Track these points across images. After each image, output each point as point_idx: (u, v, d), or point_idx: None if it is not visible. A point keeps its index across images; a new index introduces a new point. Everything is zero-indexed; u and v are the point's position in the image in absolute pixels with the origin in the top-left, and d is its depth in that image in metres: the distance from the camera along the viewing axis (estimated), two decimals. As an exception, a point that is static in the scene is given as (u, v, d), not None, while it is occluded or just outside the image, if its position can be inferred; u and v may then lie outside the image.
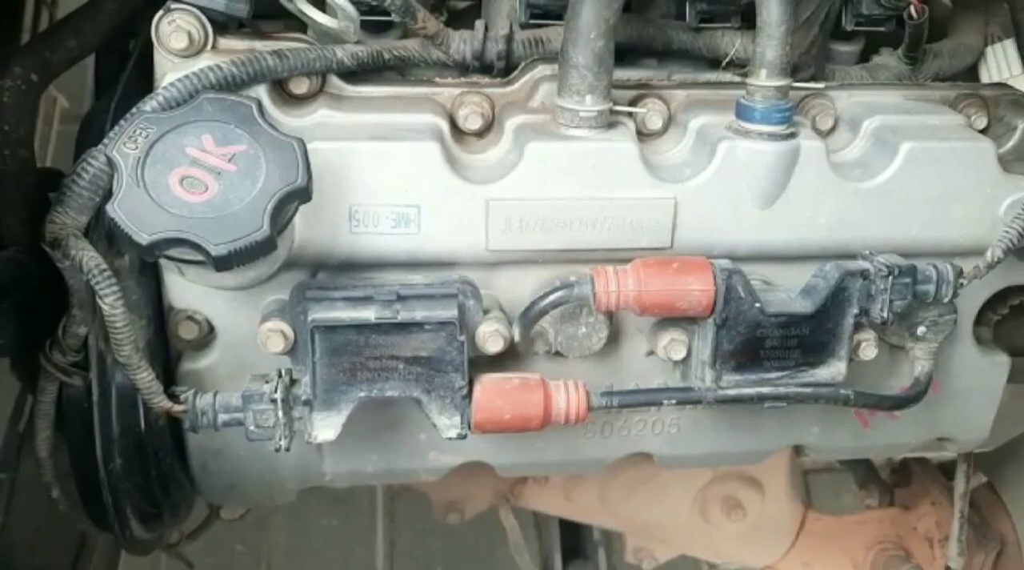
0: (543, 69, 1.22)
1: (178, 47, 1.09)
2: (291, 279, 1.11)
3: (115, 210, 0.92)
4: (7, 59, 1.18)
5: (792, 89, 1.16)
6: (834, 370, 1.16)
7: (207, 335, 1.15)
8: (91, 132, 1.24)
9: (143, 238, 0.91)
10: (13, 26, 1.58)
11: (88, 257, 0.99)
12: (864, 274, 1.12)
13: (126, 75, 1.27)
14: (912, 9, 1.26)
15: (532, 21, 1.26)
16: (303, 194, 0.98)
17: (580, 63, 1.11)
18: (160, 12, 1.08)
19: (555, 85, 1.16)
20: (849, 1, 1.32)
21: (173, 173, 0.95)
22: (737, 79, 1.29)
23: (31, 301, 1.14)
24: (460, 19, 1.41)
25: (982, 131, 1.29)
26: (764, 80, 1.12)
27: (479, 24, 1.25)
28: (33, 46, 1.22)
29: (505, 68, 1.26)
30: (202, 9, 1.08)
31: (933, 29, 1.41)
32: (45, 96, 1.46)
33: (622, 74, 1.26)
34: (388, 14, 1.17)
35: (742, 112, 1.15)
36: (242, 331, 1.12)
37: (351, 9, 1.11)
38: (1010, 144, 1.26)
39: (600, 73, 1.12)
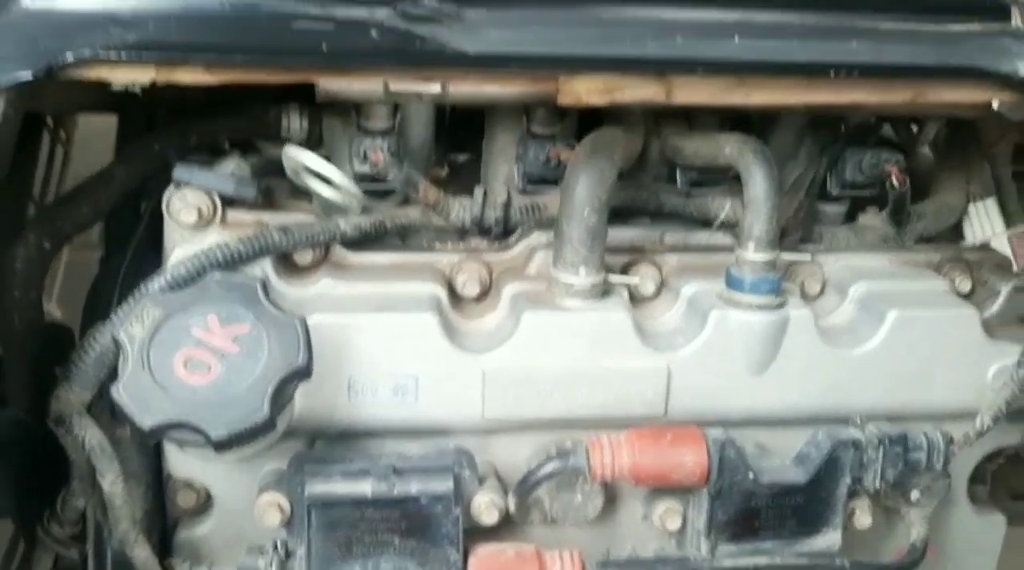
0: (539, 237, 1.26)
1: (188, 221, 1.13)
2: (289, 448, 1.12)
3: (119, 394, 0.94)
4: (22, 227, 1.23)
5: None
6: (829, 539, 1.16)
7: (205, 503, 1.16)
8: (100, 298, 1.28)
9: (146, 423, 0.93)
10: (28, 164, 1.64)
11: (91, 435, 1.01)
12: (855, 444, 1.14)
13: (136, 239, 1.32)
14: (894, 179, 1.32)
15: (529, 187, 1.32)
16: (304, 373, 1.00)
17: (574, 237, 1.15)
18: (171, 188, 1.13)
19: (551, 253, 1.20)
20: (834, 168, 1.38)
21: (178, 355, 0.97)
22: (728, 241, 1.33)
23: (33, 462, 1.15)
24: (461, 172, 1.46)
25: (967, 295, 1.32)
26: (752, 253, 1.16)
27: (478, 191, 1.30)
28: (47, 213, 1.27)
29: (503, 231, 1.31)
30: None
31: (916, 186, 1.47)
32: (68, 155, 1.49)
33: (616, 234, 1.30)
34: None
35: (732, 282, 1.18)
36: (239, 500, 1.13)
37: (356, 190, 1.16)
38: (994, 308, 1.29)
39: (594, 246, 1.16)
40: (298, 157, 1.13)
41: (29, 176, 1.66)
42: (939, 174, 1.51)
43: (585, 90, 1.09)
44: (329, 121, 1.32)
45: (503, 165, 1.35)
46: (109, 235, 1.58)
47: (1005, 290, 1.29)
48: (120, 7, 0.98)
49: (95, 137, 1.82)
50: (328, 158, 1.23)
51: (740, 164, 1.17)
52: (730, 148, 1.19)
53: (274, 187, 1.27)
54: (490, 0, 1.05)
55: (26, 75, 0.95)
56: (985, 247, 1.40)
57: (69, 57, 0.95)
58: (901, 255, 1.35)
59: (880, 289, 1.26)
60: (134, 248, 1.32)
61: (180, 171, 1.08)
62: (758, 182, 1.14)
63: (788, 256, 1.24)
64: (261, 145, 1.36)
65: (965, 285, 1.33)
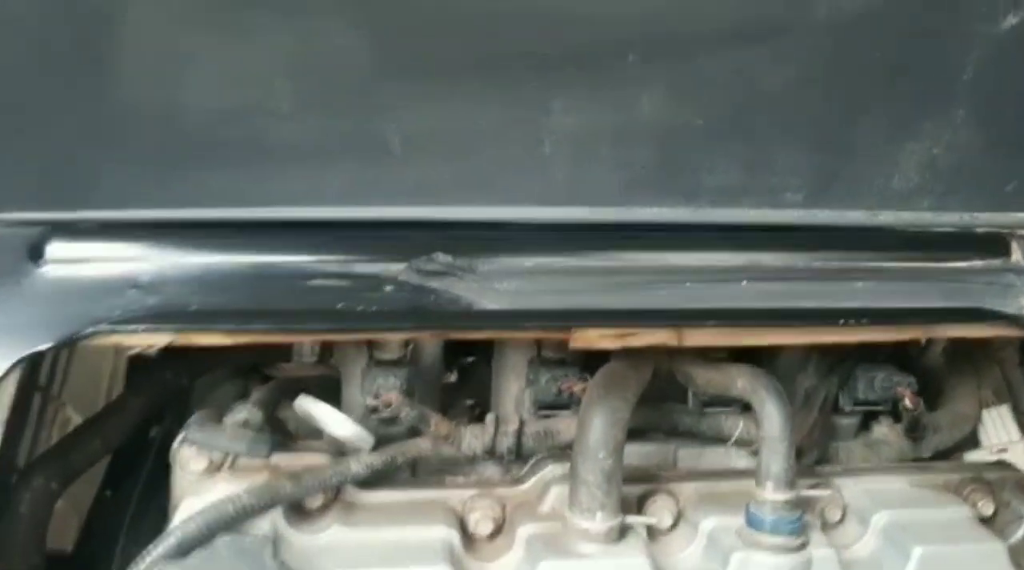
0: (553, 469, 1.24)
1: (197, 469, 1.12)
2: None
3: None
4: (30, 468, 1.22)
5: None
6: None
7: None
8: (105, 528, 1.25)
9: None
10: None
11: None
12: None
13: (146, 470, 1.31)
14: (907, 402, 1.32)
15: (541, 412, 1.32)
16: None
17: (590, 480, 1.13)
18: (180, 438, 1.12)
19: (565, 487, 1.18)
20: (845, 385, 1.38)
21: (185, 627, 0.94)
22: (742, 461, 1.32)
23: None
24: (469, 377, 1.47)
25: (989, 518, 1.29)
26: (771, 493, 1.14)
27: (489, 419, 1.29)
28: (56, 452, 1.26)
29: (516, 457, 1.29)
30: (223, 444, 1.12)
31: (928, 393, 1.47)
32: (57, 407, 1.47)
33: (631, 450, 1.29)
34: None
35: (752, 520, 1.16)
36: None
37: (366, 436, 1.15)
38: (1020, 534, 1.27)
39: (610, 490, 1.14)
40: (310, 409, 1.13)
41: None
42: (950, 380, 1.51)
43: (598, 336, 1.10)
44: (341, 346, 1.33)
45: (514, 384, 1.35)
46: (114, 464, 1.55)
47: (1029, 515, 1.27)
48: (140, 276, 1.00)
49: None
50: (339, 381, 1.24)
51: (754, 400, 1.17)
52: (742, 382, 1.19)
53: (286, 418, 1.27)
54: (502, 253, 1.08)
55: (46, 345, 0.97)
56: (1004, 465, 1.38)
57: (90, 329, 0.97)
58: (920, 476, 1.33)
59: (903, 519, 1.23)
60: (144, 481, 1.31)
61: (192, 432, 1.07)
62: (774, 421, 1.14)
63: (808, 493, 1.22)
64: (273, 369, 1.37)
65: (988, 508, 1.30)
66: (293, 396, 1.27)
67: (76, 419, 1.79)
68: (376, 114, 1.00)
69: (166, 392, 1.32)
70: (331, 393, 1.39)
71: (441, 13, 0.94)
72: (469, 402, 1.52)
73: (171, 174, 1.01)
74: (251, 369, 1.44)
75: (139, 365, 1.44)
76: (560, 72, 1.00)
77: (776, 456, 1.14)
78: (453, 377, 1.52)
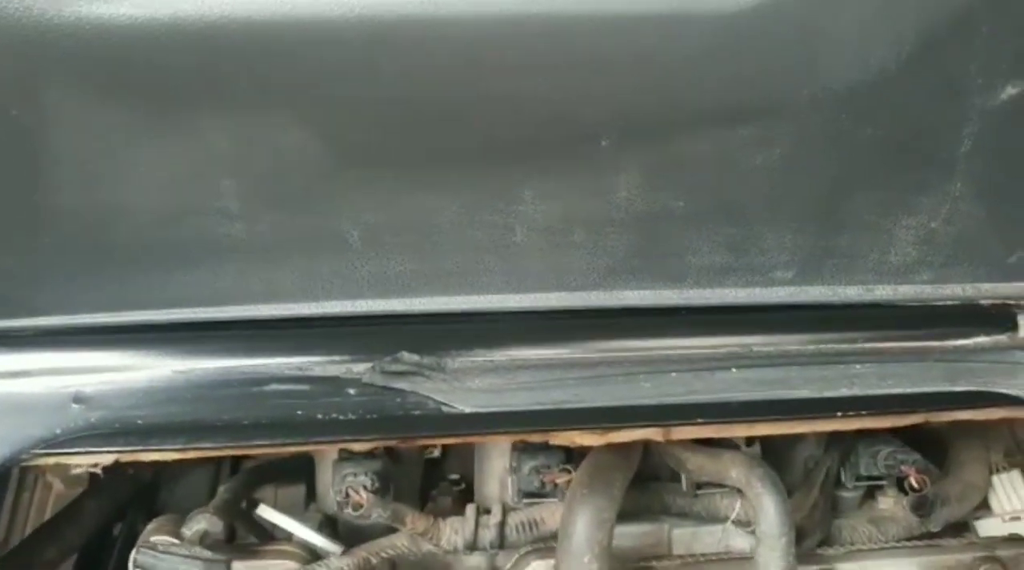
0: (537, 565, 1.17)
1: (156, 585, 1.05)
2: None
3: None
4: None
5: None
6: None
7: None
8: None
9: None
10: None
11: None
12: None
13: None
14: (913, 481, 1.24)
15: (525, 501, 1.24)
16: None
17: (575, 587, 1.06)
18: (132, 556, 1.05)
19: (551, 586, 1.11)
20: (847, 461, 1.31)
21: None
22: (739, 542, 1.24)
23: None
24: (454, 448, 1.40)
25: (1006, 602, 1.21)
26: (771, 596, 1.07)
27: (470, 511, 1.22)
28: (13, 558, 1.18)
29: (499, 548, 1.22)
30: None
31: (934, 462, 1.40)
32: (41, 482, 1.41)
33: (623, 531, 1.23)
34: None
35: (751, 622, 1.08)
36: None
37: (333, 546, 1.08)
38: (1038, 618, 1.19)
39: (597, 594, 1.06)
40: (271, 519, 1.06)
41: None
42: (957, 445, 1.44)
43: (579, 435, 1.03)
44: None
45: (498, 466, 1.29)
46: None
47: (1048, 596, 1.19)
48: (83, 388, 0.93)
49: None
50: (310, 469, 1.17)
51: (749, 493, 1.10)
52: (736, 472, 1.12)
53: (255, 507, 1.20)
54: (473, 348, 1.01)
55: (-20, 470, 0.89)
56: (1018, 540, 1.30)
57: (28, 453, 0.90)
58: (930, 557, 1.25)
59: (913, 613, 1.15)
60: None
61: (144, 556, 1.00)
62: (771, 516, 1.07)
63: (809, 584, 1.15)
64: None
65: (1003, 592, 1.22)
66: (266, 482, 1.21)
67: (58, 486, 1.72)
68: (332, 207, 0.93)
69: (128, 488, 1.24)
70: (307, 477, 1.32)
71: (399, 104, 0.87)
72: (454, 477, 1.46)
73: (113, 277, 0.94)
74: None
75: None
76: (530, 159, 0.93)
77: (775, 554, 1.07)
78: (437, 452, 1.46)
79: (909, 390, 1.03)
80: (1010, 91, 0.93)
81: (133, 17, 0.79)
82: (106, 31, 0.79)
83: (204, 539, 1.06)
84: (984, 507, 1.44)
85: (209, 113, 0.84)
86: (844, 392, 1.02)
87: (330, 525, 1.25)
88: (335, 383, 0.97)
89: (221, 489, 1.21)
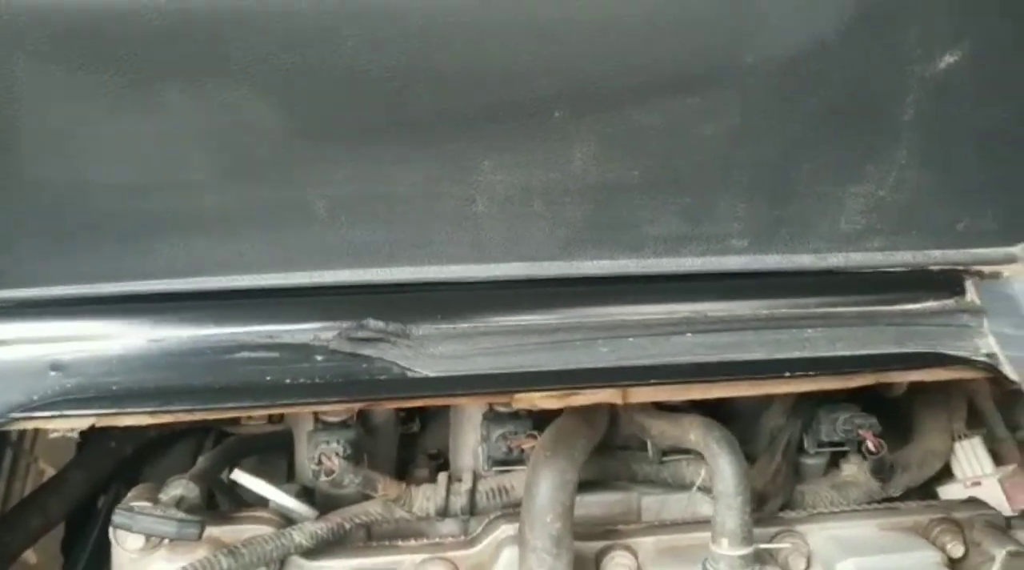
0: (505, 529, 1.20)
1: (134, 547, 1.09)
2: None
3: None
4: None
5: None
6: None
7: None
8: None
9: None
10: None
11: None
12: None
13: (91, 543, 1.27)
14: (869, 444, 1.28)
15: (495, 468, 1.28)
16: None
17: (539, 546, 1.10)
18: (116, 517, 1.08)
19: (517, 550, 1.15)
20: (808, 428, 1.35)
21: None
22: (708, 509, 1.28)
23: None
24: (432, 422, 1.44)
25: (960, 560, 1.25)
26: (727, 549, 1.10)
27: (441, 479, 1.26)
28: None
29: (470, 514, 1.26)
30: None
31: (897, 428, 1.44)
32: (32, 466, 1.45)
33: (593, 499, 1.27)
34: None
35: (710, 578, 1.12)
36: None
37: (306, 510, 1.12)
38: (991, 575, 1.23)
39: (559, 553, 1.10)
40: (246, 484, 1.10)
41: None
42: (920, 414, 1.47)
43: (540, 398, 1.07)
44: (289, 408, 1.29)
45: (470, 437, 1.32)
46: (69, 536, 1.51)
47: (999, 557, 1.23)
48: (60, 357, 0.97)
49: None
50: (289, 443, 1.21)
51: (706, 454, 1.13)
52: (695, 435, 1.16)
53: (232, 482, 1.24)
54: (436, 316, 1.05)
55: (-40, 434, 0.93)
56: (975, 502, 1.34)
57: (8, 416, 0.93)
58: (888, 518, 1.29)
59: (869, 567, 1.19)
60: (90, 552, 1.27)
61: (120, 517, 1.04)
62: (727, 476, 1.10)
63: (767, 546, 1.18)
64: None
65: (957, 550, 1.25)
66: (246, 454, 1.24)
67: (49, 471, 1.76)
68: (297, 179, 0.97)
69: (110, 461, 1.28)
70: (286, 451, 1.36)
71: (360, 75, 0.90)
72: (432, 451, 1.49)
73: (87, 249, 0.98)
74: (206, 427, 1.41)
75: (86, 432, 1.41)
76: (487, 129, 0.97)
77: (731, 512, 1.10)
78: (416, 427, 1.49)
79: (859, 352, 1.07)
80: (948, 60, 0.97)
81: (99, -8, 0.83)
82: (73, 3, 0.83)
83: (180, 504, 1.09)
84: (948, 474, 1.49)
85: (176, 86, 0.88)
86: (796, 354, 1.06)
87: (307, 496, 1.29)
88: (303, 349, 1.01)
89: (200, 458, 1.25)
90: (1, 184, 0.94)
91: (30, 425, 0.96)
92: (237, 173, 0.96)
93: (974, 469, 1.46)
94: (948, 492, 1.47)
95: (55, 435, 1.01)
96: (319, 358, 1.01)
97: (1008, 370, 1.08)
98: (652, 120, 0.98)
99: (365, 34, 0.88)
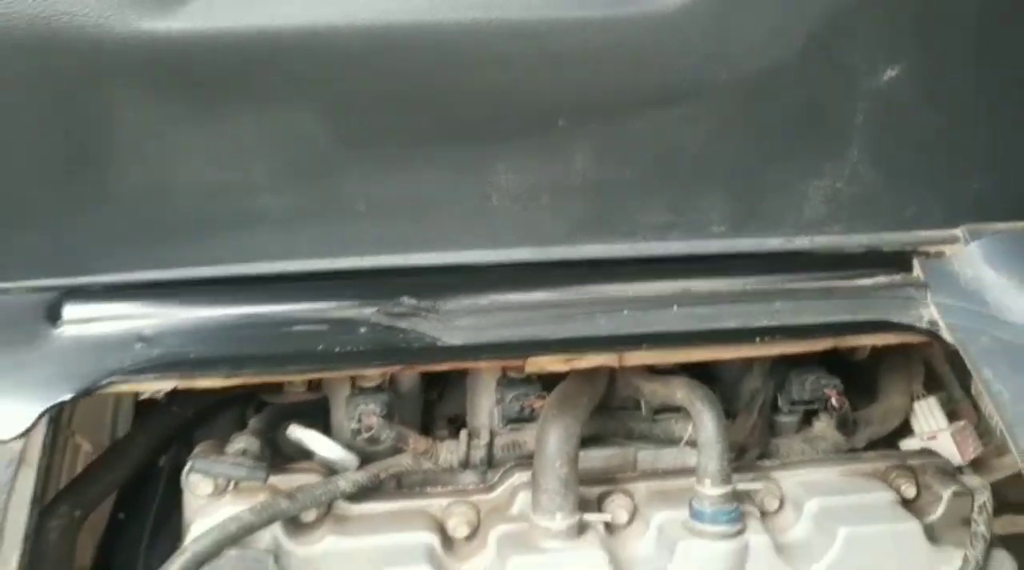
0: (520, 476, 1.40)
1: (204, 492, 1.28)
2: None
3: None
4: (55, 500, 1.37)
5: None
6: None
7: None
8: (121, 553, 1.41)
9: None
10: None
11: None
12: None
13: (157, 500, 1.46)
14: (833, 401, 1.47)
15: (509, 426, 1.47)
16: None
17: (549, 487, 1.29)
18: (188, 466, 1.28)
19: (531, 492, 1.34)
20: (782, 389, 1.54)
21: (201, 635, 1.10)
22: (695, 457, 1.47)
23: None
24: (450, 392, 1.63)
25: (912, 500, 1.44)
26: (709, 489, 1.30)
27: (463, 435, 1.45)
28: (76, 484, 1.41)
29: (488, 466, 1.45)
30: (227, 470, 1.27)
31: (862, 388, 1.63)
32: (70, 441, 1.62)
33: (594, 454, 1.45)
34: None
35: (695, 514, 1.31)
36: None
37: (351, 458, 1.31)
38: (938, 513, 1.42)
39: (567, 493, 1.29)
40: (299, 436, 1.29)
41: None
42: (884, 377, 1.66)
43: (548, 362, 1.26)
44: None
45: (485, 401, 1.51)
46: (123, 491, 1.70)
47: (946, 496, 1.42)
48: (144, 331, 1.16)
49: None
50: (327, 406, 1.39)
51: (691, 409, 1.32)
52: (681, 393, 1.35)
53: (281, 442, 1.43)
54: (460, 294, 1.23)
55: (68, 396, 1.12)
56: (927, 451, 1.53)
57: (105, 380, 1.12)
58: (850, 465, 1.48)
59: (832, 505, 1.38)
60: (157, 505, 1.46)
61: (198, 462, 1.23)
62: (708, 427, 1.30)
63: (744, 486, 1.37)
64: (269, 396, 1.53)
65: (910, 491, 1.45)
66: (288, 422, 1.43)
67: (86, 446, 1.95)
68: (342, 182, 1.15)
69: (171, 425, 1.47)
70: (321, 417, 1.55)
71: (394, 98, 1.09)
72: (450, 416, 1.68)
73: (167, 241, 1.16)
74: (248, 397, 1.60)
75: (146, 401, 1.60)
76: (501, 139, 1.15)
77: (712, 457, 1.30)
78: (436, 395, 1.68)
79: (820, 320, 1.26)
80: (890, 73, 1.15)
81: (184, 30, 1.01)
82: (162, 40, 1.01)
83: (245, 455, 1.28)
84: (908, 430, 1.68)
85: (243, 107, 1.07)
86: (766, 323, 1.25)
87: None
88: (348, 323, 1.20)
89: (252, 420, 1.44)
90: (97, 190, 1.12)
91: (125, 388, 1.15)
92: (292, 177, 1.14)
93: (930, 425, 1.64)
94: (907, 446, 1.66)
95: (144, 396, 1.19)
96: (362, 330, 1.19)
97: (946, 335, 1.26)
98: (642, 127, 1.17)
99: (398, 64, 1.06)
